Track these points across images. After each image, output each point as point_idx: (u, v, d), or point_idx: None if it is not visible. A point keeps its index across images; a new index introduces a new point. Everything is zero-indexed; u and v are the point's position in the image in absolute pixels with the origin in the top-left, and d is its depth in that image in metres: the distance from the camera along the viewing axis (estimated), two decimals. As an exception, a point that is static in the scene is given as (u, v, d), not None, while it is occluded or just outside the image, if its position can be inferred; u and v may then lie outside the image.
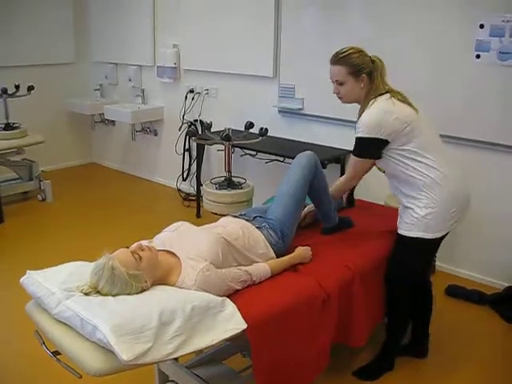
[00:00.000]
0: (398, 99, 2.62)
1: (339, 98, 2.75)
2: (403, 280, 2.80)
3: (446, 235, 2.71)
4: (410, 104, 2.65)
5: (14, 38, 6.08)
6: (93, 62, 6.79)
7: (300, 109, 4.74)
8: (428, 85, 3.86)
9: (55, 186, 5.78)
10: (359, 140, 2.64)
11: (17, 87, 5.57)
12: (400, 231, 2.74)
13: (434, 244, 2.75)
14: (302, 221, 3.01)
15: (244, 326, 2.09)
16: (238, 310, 2.13)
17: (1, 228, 5.03)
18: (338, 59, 2.65)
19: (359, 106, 2.73)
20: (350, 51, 2.64)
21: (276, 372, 2.29)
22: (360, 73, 2.63)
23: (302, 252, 2.63)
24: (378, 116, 2.58)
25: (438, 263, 3.99)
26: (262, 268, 2.43)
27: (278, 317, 2.25)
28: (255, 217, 2.77)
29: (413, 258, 2.75)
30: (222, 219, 2.80)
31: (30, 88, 5.64)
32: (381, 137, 2.57)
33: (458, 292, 3.80)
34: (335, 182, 2.98)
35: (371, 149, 2.65)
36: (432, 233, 2.64)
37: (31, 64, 6.26)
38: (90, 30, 6.70)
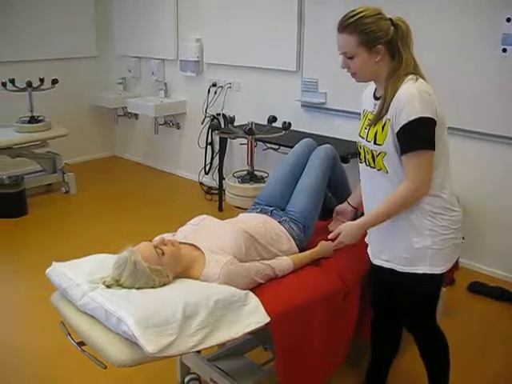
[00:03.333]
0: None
1: (352, 74, 2.15)
2: (428, 327, 2.37)
3: None
4: None
5: (38, 33, 6.13)
6: (116, 55, 6.82)
7: (323, 103, 4.71)
8: (453, 79, 3.82)
9: (78, 178, 5.83)
10: (418, 123, 1.94)
11: (41, 81, 5.63)
12: (402, 269, 2.17)
13: (441, 280, 2.25)
14: None
15: (267, 319, 2.10)
16: (261, 303, 2.14)
17: (25, 220, 5.09)
18: (346, 25, 2.03)
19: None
20: (361, 15, 2.01)
21: (298, 365, 2.30)
22: (375, 43, 2.02)
23: (324, 247, 2.61)
24: (427, 93, 1.98)
25: (460, 259, 3.94)
26: (284, 262, 2.43)
27: (300, 310, 2.26)
28: (272, 210, 2.76)
29: (425, 298, 2.28)
30: (241, 215, 2.79)
31: (54, 81, 5.70)
32: (435, 118, 1.96)
33: (480, 289, 3.76)
34: (385, 199, 2.11)
35: (432, 134, 1.99)
36: (440, 266, 2.14)
37: (55, 58, 6.31)
38: (113, 23, 6.73)
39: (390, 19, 2.05)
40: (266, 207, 2.78)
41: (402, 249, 2.14)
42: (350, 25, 2.02)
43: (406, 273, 2.15)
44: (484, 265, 4.03)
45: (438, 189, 2.07)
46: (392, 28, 2.04)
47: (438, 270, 2.13)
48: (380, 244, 2.26)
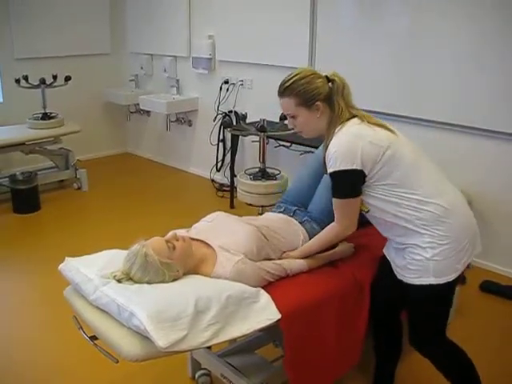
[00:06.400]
0: (370, 122, 2.19)
1: (298, 132, 2.34)
2: (436, 343, 2.32)
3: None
4: (384, 126, 2.20)
5: (51, 29, 6.16)
6: (128, 52, 6.85)
7: (335, 101, 4.69)
8: (470, 78, 3.80)
9: (90, 174, 5.86)
10: (336, 176, 2.14)
11: (54, 77, 5.65)
12: (407, 280, 2.21)
13: (450, 288, 2.23)
14: None
15: (278, 316, 2.10)
16: (273, 300, 2.14)
17: (38, 215, 5.13)
18: (283, 90, 2.23)
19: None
20: (294, 78, 2.21)
21: (307, 363, 2.29)
22: (312, 101, 2.19)
23: (346, 248, 2.60)
24: (348, 142, 2.11)
25: (473, 258, 3.94)
26: (297, 263, 2.41)
27: (311, 308, 2.25)
28: (295, 210, 2.73)
29: (433, 310, 2.26)
30: (265, 214, 2.81)
31: (67, 78, 5.73)
32: (357, 167, 2.08)
33: (492, 288, 3.74)
34: (319, 235, 2.44)
35: (353, 183, 2.16)
36: (445, 276, 2.13)
37: (68, 55, 6.35)
38: (126, 20, 6.75)
39: (326, 76, 2.23)
40: (290, 207, 2.76)
41: (407, 261, 2.19)
42: (286, 89, 2.22)
43: (412, 284, 2.19)
44: (496, 263, 4.00)
45: (423, 203, 2.12)
46: (328, 84, 2.22)
47: (442, 281, 2.13)
48: (390, 256, 2.35)
